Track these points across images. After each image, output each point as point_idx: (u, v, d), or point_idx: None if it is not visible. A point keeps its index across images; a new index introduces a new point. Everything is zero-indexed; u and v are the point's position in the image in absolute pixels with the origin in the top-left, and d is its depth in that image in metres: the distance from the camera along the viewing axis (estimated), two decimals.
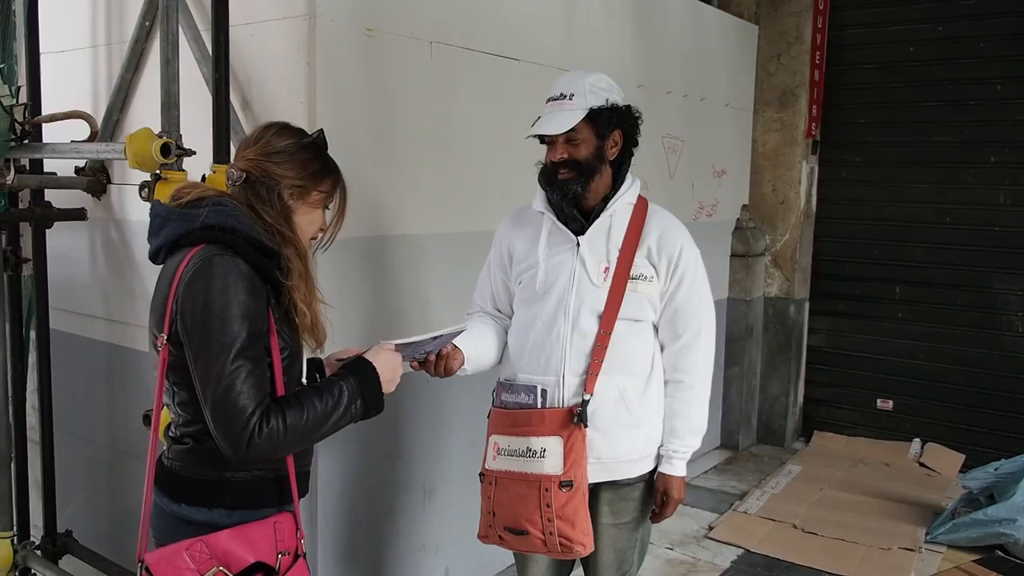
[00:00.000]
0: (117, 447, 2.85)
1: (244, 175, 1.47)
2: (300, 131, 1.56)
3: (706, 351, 1.96)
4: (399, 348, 1.60)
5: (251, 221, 1.42)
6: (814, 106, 4.68)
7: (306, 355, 1.59)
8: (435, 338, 1.70)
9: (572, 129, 1.82)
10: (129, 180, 2.64)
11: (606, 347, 1.86)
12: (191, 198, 1.44)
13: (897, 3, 4.50)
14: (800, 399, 4.99)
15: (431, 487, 2.80)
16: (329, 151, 1.58)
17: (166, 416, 1.54)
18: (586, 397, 1.85)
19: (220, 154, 2.12)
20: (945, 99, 4.42)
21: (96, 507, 2.97)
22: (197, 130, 2.13)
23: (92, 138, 2.51)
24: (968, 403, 4.47)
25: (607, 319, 1.86)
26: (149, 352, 1.48)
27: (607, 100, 1.85)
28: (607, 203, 1.90)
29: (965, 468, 4.19)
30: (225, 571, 1.37)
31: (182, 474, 1.46)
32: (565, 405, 1.86)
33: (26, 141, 2.38)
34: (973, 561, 3.27)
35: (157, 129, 2.02)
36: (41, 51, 2.61)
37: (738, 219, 4.80)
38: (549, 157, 1.89)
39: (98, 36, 2.79)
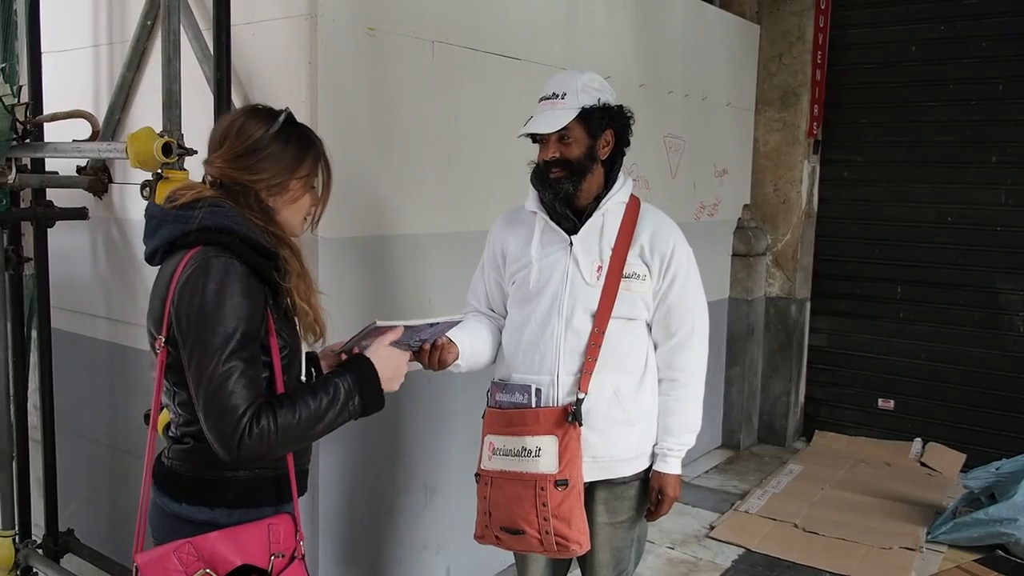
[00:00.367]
0: (118, 446, 2.86)
1: (218, 181, 1.45)
2: (262, 118, 1.46)
3: (700, 349, 1.96)
4: (401, 329, 1.59)
5: (246, 222, 1.41)
6: (816, 106, 4.67)
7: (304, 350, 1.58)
8: (432, 325, 1.69)
9: (564, 128, 1.83)
10: (131, 179, 2.64)
11: (600, 346, 1.86)
12: (187, 200, 1.43)
13: (899, 3, 4.50)
14: (801, 399, 4.99)
15: (432, 486, 2.81)
16: (299, 125, 1.50)
17: (165, 416, 1.54)
18: (580, 396, 1.85)
19: None
20: (947, 99, 4.42)
21: (98, 506, 2.98)
22: (198, 129, 2.12)
23: (93, 137, 2.51)
24: (969, 403, 4.46)
25: (601, 318, 1.87)
26: (149, 351, 1.48)
27: (599, 99, 1.86)
28: (599, 202, 1.91)
29: (966, 468, 4.19)
30: (211, 573, 1.36)
31: (183, 473, 1.46)
32: (560, 404, 1.86)
33: (28, 140, 2.39)
34: (974, 561, 3.27)
35: (158, 128, 2.02)
36: (43, 50, 2.62)
37: (739, 219, 4.80)
38: (541, 156, 1.89)
39: (100, 35, 2.79)
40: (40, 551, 2.72)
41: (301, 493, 1.52)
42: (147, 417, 1.47)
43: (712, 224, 4.47)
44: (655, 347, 1.96)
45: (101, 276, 2.87)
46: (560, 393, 1.87)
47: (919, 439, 4.60)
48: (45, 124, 2.53)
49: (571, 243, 1.90)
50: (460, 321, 1.80)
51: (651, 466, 1.97)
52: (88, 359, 2.91)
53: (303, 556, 1.48)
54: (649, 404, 1.94)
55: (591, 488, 1.92)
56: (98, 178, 2.71)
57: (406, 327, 1.60)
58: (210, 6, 2.17)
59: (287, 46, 2.27)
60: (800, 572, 3.26)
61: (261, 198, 1.44)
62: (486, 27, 2.81)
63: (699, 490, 4.09)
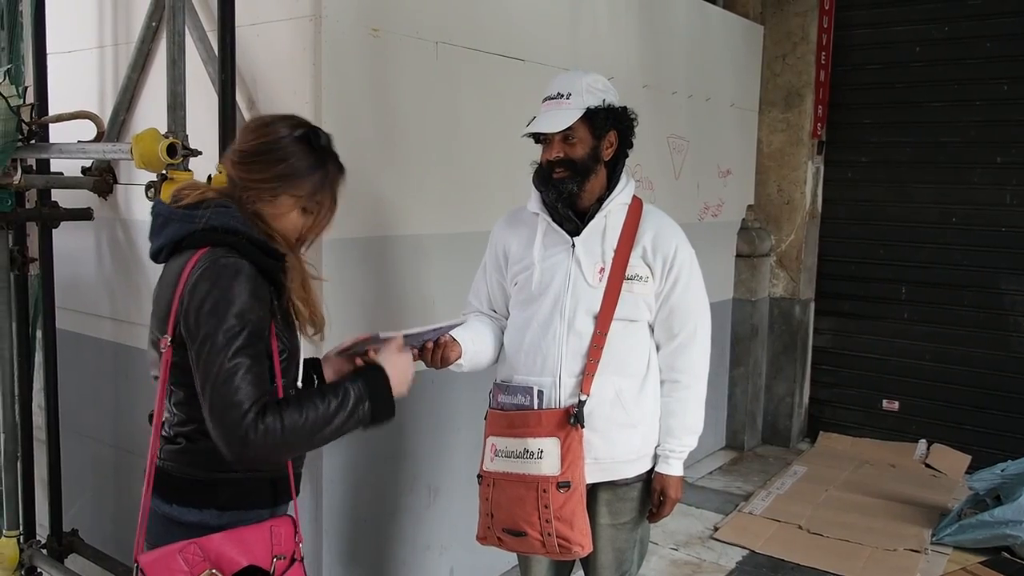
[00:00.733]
0: (123, 446, 2.86)
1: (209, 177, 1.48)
2: (286, 126, 1.45)
3: (702, 350, 1.96)
4: (400, 338, 1.59)
5: (251, 223, 1.42)
6: (820, 106, 4.67)
7: (304, 349, 1.58)
8: (435, 330, 1.70)
9: (568, 128, 1.82)
10: (135, 180, 2.65)
11: (602, 347, 1.86)
12: (192, 199, 1.43)
13: (903, 3, 4.49)
14: (805, 400, 4.98)
15: (436, 487, 2.81)
16: (324, 149, 1.47)
17: None
18: (583, 398, 1.85)
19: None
20: (951, 99, 4.40)
21: (102, 506, 2.98)
22: (203, 130, 2.13)
23: (98, 138, 2.52)
24: (974, 404, 4.45)
25: (603, 320, 1.86)
26: (148, 351, 1.48)
27: (604, 100, 1.85)
28: (602, 204, 1.90)
29: (971, 469, 4.18)
30: (218, 573, 1.36)
31: (173, 474, 1.45)
32: (561, 406, 1.86)
33: (33, 141, 2.40)
34: (979, 563, 3.26)
35: (163, 129, 2.03)
36: (48, 51, 2.62)
37: (743, 219, 4.79)
38: (545, 156, 1.89)
39: (105, 37, 2.80)
40: (44, 551, 2.73)
41: (295, 492, 1.51)
42: (151, 417, 1.47)
43: (716, 225, 4.46)
44: (657, 349, 1.96)
45: (106, 277, 2.87)
46: (562, 395, 1.87)
47: (924, 440, 4.59)
48: (50, 125, 2.53)
49: (573, 245, 1.90)
50: (461, 323, 1.80)
51: (653, 468, 1.97)
52: (93, 359, 2.92)
53: (302, 558, 1.47)
54: (651, 406, 1.94)
55: (593, 490, 1.92)
56: (103, 179, 2.71)
57: (407, 335, 1.61)
58: (215, 7, 2.18)
59: (291, 47, 2.27)
60: (804, 574, 3.25)
61: (250, 199, 1.42)
62: (489, 28, 2.81)
63: (703, 491, 4.08)
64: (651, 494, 1.97)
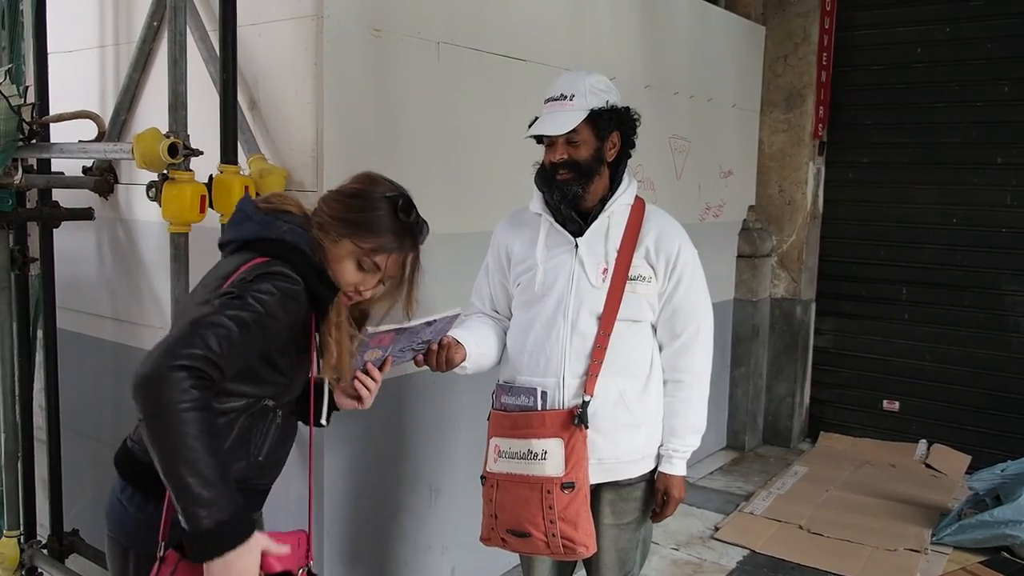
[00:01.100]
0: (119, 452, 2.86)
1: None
2: (376, 183, 1.52)
3: (705, 350, 1.96)
4: (392, 333, 1.58)
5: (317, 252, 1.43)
6: (821, 107, 4.66)
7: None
8: (429, 323, 1.66)
9: (572, 130, 1.82)
10: (136, 180, 2.65)
11: (605, 348, 1.86)
12: (278, 207, 1.47)
13: (905, 4, 4.49)
14: (806, 400, 4.98)
15: (437, 487, 2.81)
16: (406, 221, 1.49)
17: None
18: (586, 398, 1.84)
19: (227, 154, 2.12)
20: (952, 100, 4.40)
21: (103, 506, 2.97)
22: (204, 130, 2.13)
23: (99, 138, 2.52)
24: (975, 404, 4.45)
25: (606, 320, 1.86)
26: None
27: (607, 101, 1.85)
28: (604, 204, 1.90)
29: (971, 469, 4.18)
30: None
31: (139, 458, 1.42)
32: (565, 407, 1.86)
33: (34, 141, 2.39)
34: (979, 563, 3.26)
35: (164, 129, 2.02)
36: (49, 51, 2.62)
37: (744, 220, 4.79)
38: (548, 158, 1.88)
39: (106, 36, 2.79)
40: (45, 551, 2.73)
41: (255, 509, 1.51)
42: None
43: (717, 225, 4.46)
44: (660, 349, 1.96)
45: (107, 277, 2.87)
46: (566, 396, 1.86)
47: (924, 441, 4.59)
48: (51, 125, 2.53)
49: (576, 245, 1.90)
50: (458, 315, 1.79)
51: (656, 468, 1.97)
52: (93, 359, 2.92)
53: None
54: (654, 406, 1.94)
55: (597, 490, 1.91)
56: (104, 179, 2.71)
57: (399, 330, 1.59)
58: (216, 7, 2.18)
59: (293, 47, 2.27)
60: (805, 574, 3.25)
61: (318, 232, 1.44)
62: (491, 28, 2.81)
63: (704, 491, 4.08)
64: (654, 494, 1.97)
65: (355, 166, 2.35)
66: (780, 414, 4.89)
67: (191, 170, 2.05)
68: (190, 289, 1.89)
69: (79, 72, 2.85)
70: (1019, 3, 4.17)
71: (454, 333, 1.84)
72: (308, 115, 2.25)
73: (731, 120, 4.51)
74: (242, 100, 2.29)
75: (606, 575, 1.99)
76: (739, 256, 4.73)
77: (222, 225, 2.08)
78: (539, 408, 1.86)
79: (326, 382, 1.53)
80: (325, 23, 2.22)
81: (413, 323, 1.62)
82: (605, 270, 1.88)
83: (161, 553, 1.35)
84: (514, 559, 2.97)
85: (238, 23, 2.15)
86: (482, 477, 1.96)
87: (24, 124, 2.30)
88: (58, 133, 2.56)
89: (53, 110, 2.61)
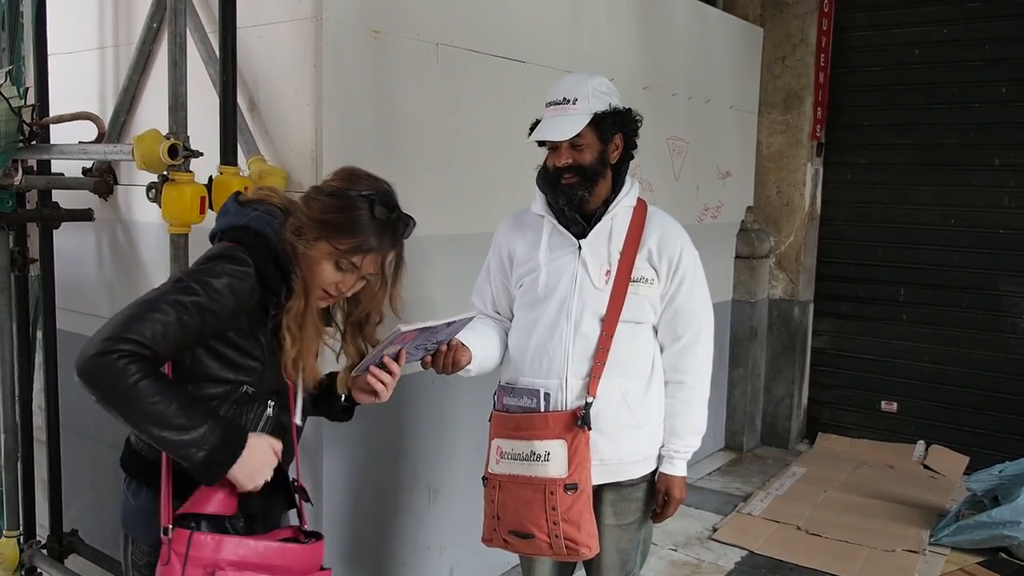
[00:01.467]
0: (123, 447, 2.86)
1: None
2: (355, 181, 1.49)
3: (705, 352, 1.97)
4: (417, 332, 1.59)
5: (283, 238, 1.44)
6: (819, 108, 4.68)
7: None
8: (448, 324, 1.68)
9: (577, 135, 1.82)
10: (136, 181, 2.65)
11: (608, 349, 1.86)
12: (254, 197, 1.50)
13: (903, 5, 4.50)
14: (804, 401, 4.99)
15: (436, 487, 2.81)
16: (383, 220, 1.47)
17: None
18: (589, 400, 1.85)
19: (227, 155, 2.12)
20: (950, 101, 4.42)
21: (102, 507, 2.98)
22: (204, 131, 2.14)
23: (99, 139, 2.52)
24: (972, 405, 4.46)
25: (609, 322, 1.87)
26: None
27: (609, 104, 1.85)
28: (607, 206, 1.91)
29: (969, 470, 4.20)
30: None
31: (136, 449, 1.51)
32: (568, 408, 1.86)
33: (34, 142, 2.40)
34: (977, 563, 3.27)
35: (164, 130, 2.03)
36: (49, 52, 2.62)
37: (743, 221, 4.80)
38: (552, 162, 1.88)
39: (105, 38, 2.80)
40: (45, 551, 2.73)
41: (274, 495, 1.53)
42: None
43: (715, 226, 4.47)
44: (661, 350, 1.96)
45: (106, 277, 2.88)
46: (569, 397, 1.87)
47: (922, 442, 4.60)
48: (51, 126, 2.54)
49: (579, 247, 1.90)
50: (473, 318, 1.80)
51: (657, 468, 1.98)
52: None
53: None
54: (656, 407, 1.95)
55: (598, 491, 1.92)
56: (103, 180, 2.71)
57: (423, 328, 1.60)
58: (216, 9, 2.18)
59: (292, 49, 2.28)
60: (803, 574, 3.26)
61: (294, 233, 1.44)
62: (490, 30, 2.81)
63: (702, 492, 4.09)
64: (655, 494, 1.98)
65: (354, 165, 2.37)
66: (778, 415, 4.90)
67: (191, 171, 2.05)
68: None
69: (79, 73, 2.85)
70: (1017, 4, 4.19)
71: (459, 336, 1.85)
72: (307, 116, 2.26)
73: (729, 121, 4.52)
74: (242, 101, 2.29)
75: (607, 575, 1.99)
76: (737, 257, 4.74)
77: None
78: (542, 409, 1.87)
79: (298, 381, 1.52)
80: (324, 25, 2.23)
81: (435, 323, 1.63)
82: (608, 272, 1.88)
83: (168, 536, 1.39)
84: (512, 559, 2.98)
85: (238, 25, 2.16)
86: (484, 478, 1.97)
87: (24, 125, 2.31)
88: (58, 134, 2.57)
89: (53, 111, 2.61)
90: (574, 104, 1.83)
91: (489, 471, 1.95)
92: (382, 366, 1.60)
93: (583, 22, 3.27)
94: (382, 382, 1.60)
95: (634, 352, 1.91)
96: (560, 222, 1.92)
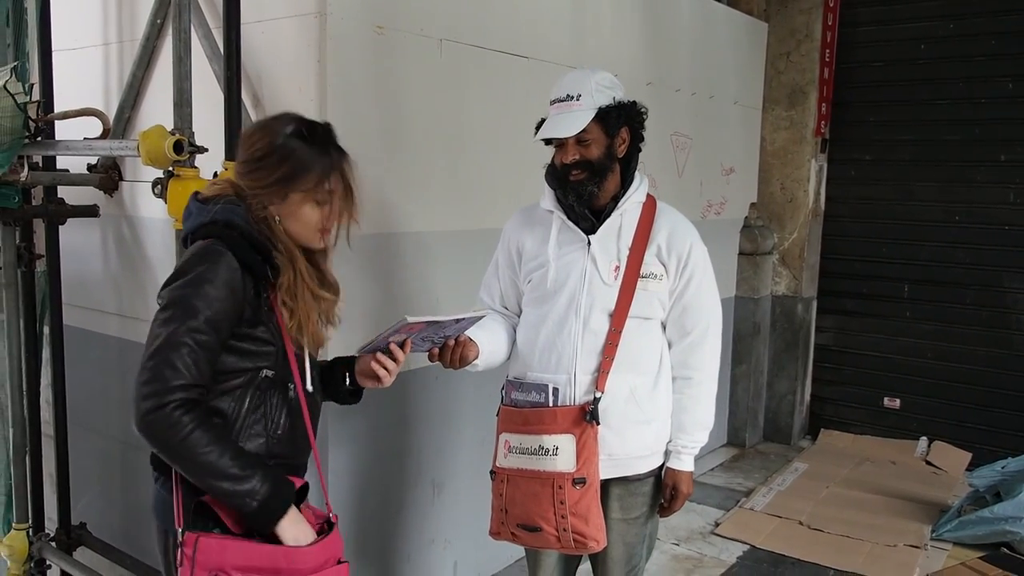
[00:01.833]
0: (130, 441, 2.88)
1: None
2: (271, 129, 1.49)
3: (713, 347, 1.98)
4: (423, 324, 1.60)
5: (252, 221, 1.46)
6: (823, 104, 4.66)
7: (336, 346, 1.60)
8: (457, 321, 1.69)
9: (583, 130, 1.82)
10: (140, 177, 2.66)
11: (617, 345, 1.87)
12: (211, 194, 1.50)
13: (908, 0, 4.48)
14: (807, 397, 4.99)
15: (440, 482, 2.82)
16: (321, 139, 1.50)
17: None
18: (598, 395, 1.86)
19: (232, 151, 2.13)
20: (956, 97, 4.40)
21: (110, 500, 3.00)
22: (208, 127, 2.15)
23: (104, 135, 2.53)
24: (975, 402, 4.46)
25: (618, 317, 1.87)
26: None
27: (613, 98, 1.86)
28: (617, 202, 1.91)
29: (972, 466, 4.19)
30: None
31: None
32: (577, 403, 1.87)
33: (39, 138, 2.41)
34: (978, 558, 3.27)
35: (169, 126, 2.04)
36: (53, 48, 2.63)
37: (746, 217, 4.80)
38: (560, 159, 1.88)
39: (109, 34, 2.81)
40: (53, 544, 2.75)
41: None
42: None
43: (719, 223, 4.47)
44: (669, 345, 1.97)
45: (112, 273, 2.89)
46: (577, 392, 1.88)
47: (925, 438, 4.60)
48: (56, 122, 2.55)
49: (589, 243, 1.91)
50: (483, 317, 1.80)
51: (664, 463, 1.99)
52: (99, 355, 2.93)
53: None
54: (664, 402, 1.96)
55: (605, 485, 1.92)
56: (108, 176, 2.73)
57: (431, 322, 1.61)
58: (219, 5, 2.18)
59: (296, 44, 2.28)
60: (805, 569, 3.27)
61: (261, 205, 1.47)
62: (494, 25, 2.82)
63: (705, 487, 4.10)
64: (662, 489, 1.99)
65: (358, 162, 2.37)
66: (781, 411, 4.90)
67: (196, 167, 2.06)
68: None
69: (83, 70, 2.86)
70: None
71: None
72: (311, 112, 2.26)
73: (733, 117, 4.51)
74: (246, 97, 2.30)
75: (613, 569, 2.00)
76: (740, 253, 4.74)
77: None
78: (550, 404, 1.88)
79: (305, 349, 1.54)
80: (328, 20, 2.23)
81: (443, 318, 1.65)
82: (617, 267, 1.89)
83: (180, 539, 1.40)
84: (516, 553, 3.00)
85: (242, 20, 2.16)
86: (491, 472, 1.98)
87: (30, 121, 2.32)
88: (63, 131, 2.58)
89: (58, 108, 2.62)
90: (578, 100, 1.83)
91: (497, 465, 1.96)
92: (387, 352, 1.60)
93: (587, 17, 3.27)
94: (385, 368, 1.61)
95: (643, 348, 1.91)
96: (569, 218, 1.92)
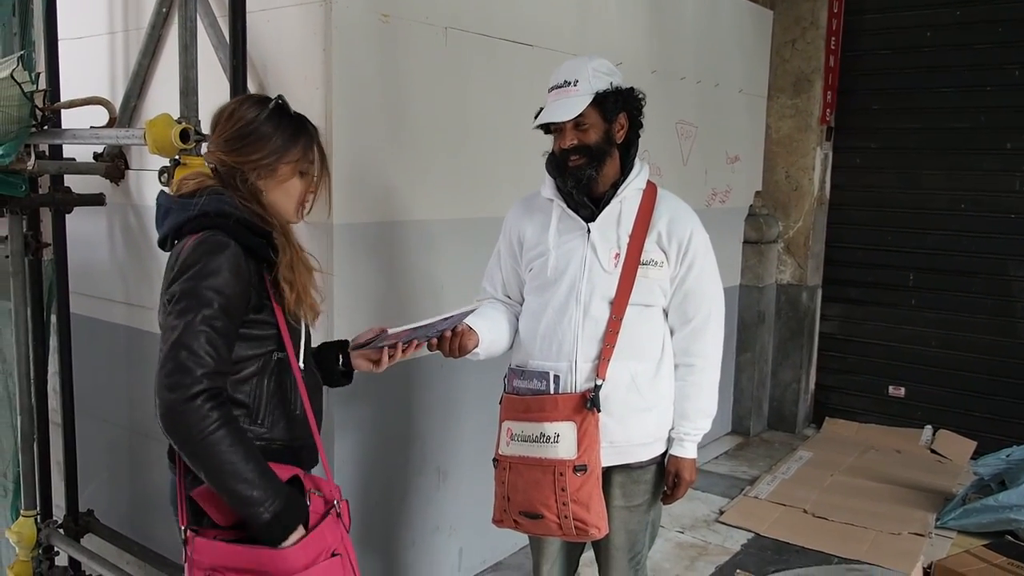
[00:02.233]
0: (137, 428, 2.90)
1: (215, 168, 1.53)
2: (253, 104, 1.53)
3: (716, 334, 1.98)
4: (407, 333, 1.61)
5: (242, 206, 1.47)
6: (829, 92, 4.65)
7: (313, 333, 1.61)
8: (446, 319, 1.71)
9: (580, 115, 1.82)
10: (147, 166, 2.67)
11: (617, 332, 1.87)
12: (189, 188, 1.50)
13: None
14: (812, 386, 4.99)
15: (445, 470, 2.84)
16: (296, 114, 1.55)
17: None
18: (598, 382, 1.86)
19: None
20: (961, 85, 4.38)
21: (117, 487, 3.03)
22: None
23: (110, 124, 2.54)
24: (980, 390, 4.46)
25: (618, 305, 1.87)
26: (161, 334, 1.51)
27: (611, 83, 1.86)
28: (616, 189, 1.91)
29: (976, 455, 4.19)
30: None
31: None
32: (578, 391, 1.88)
33: (46, 127, 2.41)
34: (983, 546, 3.28)
35: (175, 115, 2.04)
36: (59, 37, 2.64)
37: (751, 206, 4.79)
38: (559, 144, 1.88)
39: (115, 22, 2.81)
40: (61, 531, 2.78)
41: (313, 464, 1.57)
42: None
43: (724, 211, 4.46)
44: (671, 333, 1.97)
45: (118, 261, 2.90)
46: (578, 380, 1.88)
47: (929, 426, 4.60)
48: (62, 111, 2.55)
49: (588, 230, 1.91)
50: (474, 310, 1.81)
51: (667, 450, 1.99)
52: (106, 343, 2.95)
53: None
54: (666, 390, 1.96)
55: (608, 472, 1.93)
56: (115, 164, 2.73)
57: (415, 328, 1.64)
58: None
59: (302, 33, 2.28)
60: (809, 557, 3.28)
61: (249, 179, 1.49)
62: (498, 13, 2.81)
63: (709, 475, 4.11)
64: (665, 476, 1.99)
65: (363, 150, 2.38)
66: (785, 400, 4.91)
67: (202, 155, 2.07)
68: None
69: (89, 59, 2.86)
70: None
71: (466, 319, 1.86)
72: (317, 100, 2.27)
73: (738, 105, 4.50)
74: (252, 86, 2.30)
75: (616, 556, 2.01)
76: (745, 242, 4.74)
77: None
78: (551, 392, 1.88)
79: (302, 324, 1.57)
80: (333, 8, 2.23)
81: (429, 320, 1.67)
82: (617, 255, 1.89)
83: (183, 536, 1.42)
84: (520, 540, 3.01)
85: (247, 9, 2.16)
86: (494, 460, 1.98)
87: (36, 110, 2.32)
88: (69, 119, 2.58)
89: (64, 97, 2.62)
90: (575, 85, 1.84)
91: (499, 453, 1.96)
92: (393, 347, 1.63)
93: (591, 5, 3.26)
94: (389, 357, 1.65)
95: (644, 335, 1.91)
96: (569, 206, 1.93)
